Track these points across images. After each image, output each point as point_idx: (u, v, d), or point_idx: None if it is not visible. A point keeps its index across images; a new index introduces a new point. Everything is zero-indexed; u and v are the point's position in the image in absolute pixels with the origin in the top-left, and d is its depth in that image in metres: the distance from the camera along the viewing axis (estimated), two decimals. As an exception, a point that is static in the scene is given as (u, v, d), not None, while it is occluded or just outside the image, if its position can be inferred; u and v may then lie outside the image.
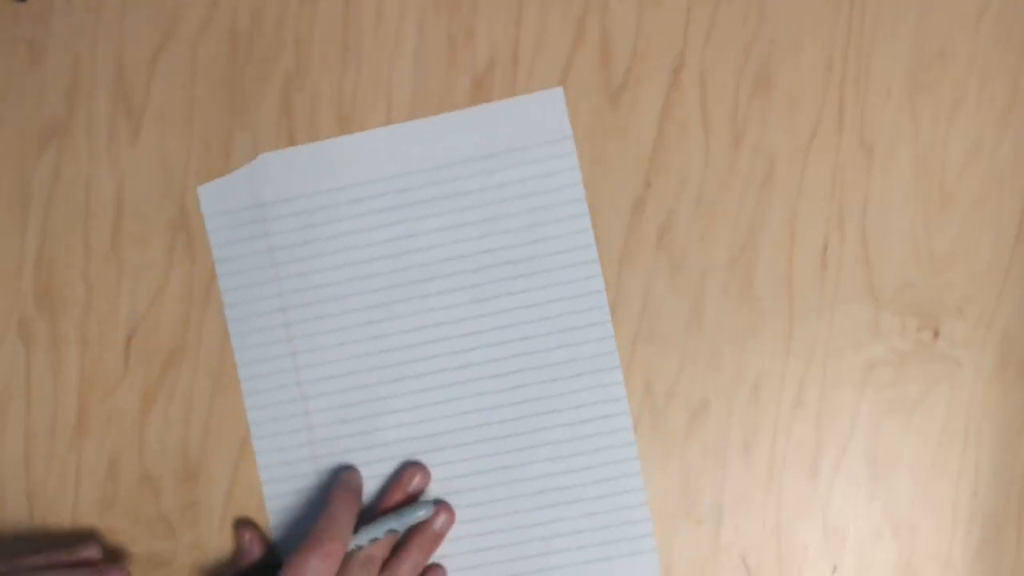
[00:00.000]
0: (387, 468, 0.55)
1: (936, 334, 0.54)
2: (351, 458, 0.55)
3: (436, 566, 0.54)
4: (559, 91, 0.54)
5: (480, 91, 0.55)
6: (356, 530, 0.52)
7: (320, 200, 0.55)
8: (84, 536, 0.56)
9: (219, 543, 0.56)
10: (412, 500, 0.54)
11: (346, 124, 0.55)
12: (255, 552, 0.55)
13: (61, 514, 0.56)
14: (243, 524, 0.55)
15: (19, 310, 0.56)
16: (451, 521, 0.54)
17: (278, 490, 0.55)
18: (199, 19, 0.55)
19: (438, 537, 0.54)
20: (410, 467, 0.54)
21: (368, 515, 0.54)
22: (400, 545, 0.54)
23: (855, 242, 0.54)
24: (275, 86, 0.55)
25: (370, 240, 0.55)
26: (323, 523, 0.51)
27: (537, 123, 0.54)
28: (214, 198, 0.55)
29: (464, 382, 0.55)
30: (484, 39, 0.55)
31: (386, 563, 0.53)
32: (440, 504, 0.54)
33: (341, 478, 0.54)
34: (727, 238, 0.55)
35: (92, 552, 0.54)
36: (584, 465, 0.54)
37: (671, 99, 0.55)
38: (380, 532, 0.52)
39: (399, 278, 0.55)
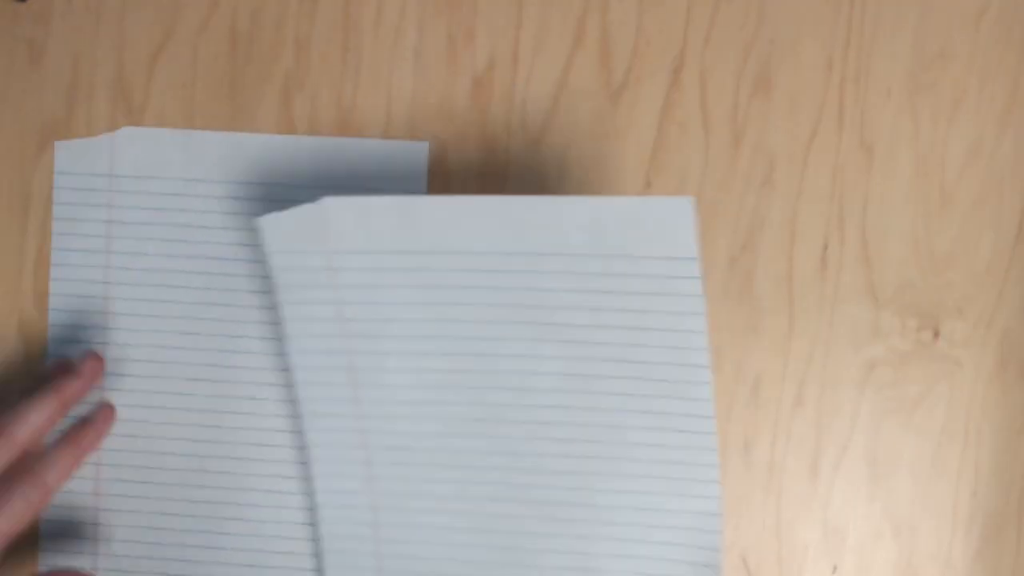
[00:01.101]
0: (170, 463, 0.54)
1: (936, 334, 0.54)
2: (133, 451, 0.54)
3: None
4: (423, 145, 0.54)
5: (480, 90, 0.55)
6: None
7: (174, 187, 0.54)
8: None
9: (219, 543, 0.56)
10: None
11: (346, 124, 0.55)
12: None
13: (61, 514, 0.56)
14: None
15: (19, 310, 0.56)
16: None
17: None
18: (199, 19, 0.55)
19: None
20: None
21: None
22: None
23: (855, 242, 0.54)
24: (275, 86, 0.55)
25: (211, 239, 0.54)
26: None
27: (396, 170, 0.54)
28: (69, 157, 0.55)
29: (261, 399, 0.54)
30: (484, 39, 0.55)
31: None
32: None
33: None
34: (727, 238, 0.55)
35: (64, 364, 0.52)
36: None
37: (671, 99, 0.55)
38: None
39: (226, 283, 0.54)
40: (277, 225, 0.49)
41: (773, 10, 0.54)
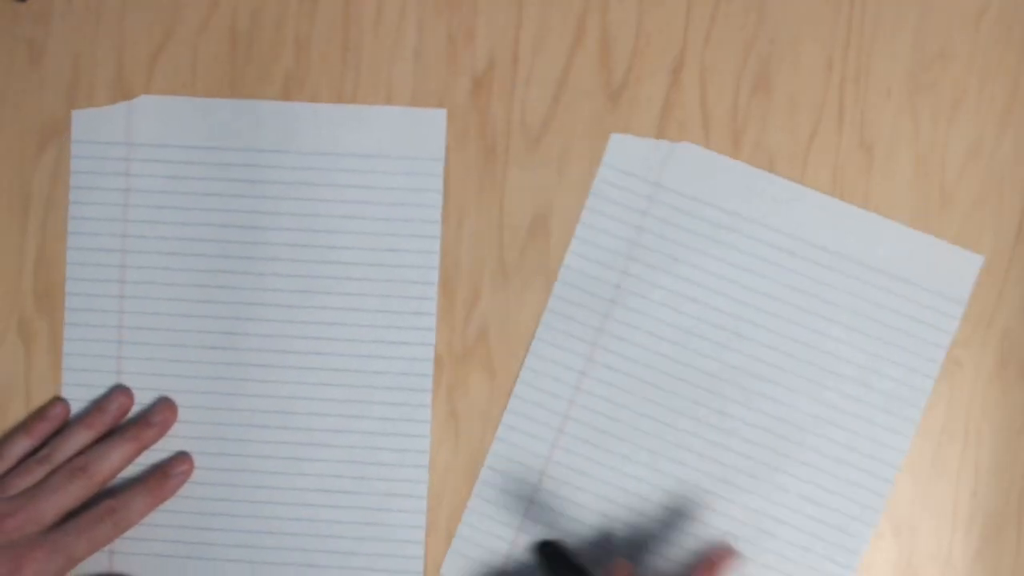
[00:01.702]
0: (190, 431, 0.55)
1: (936, 334, 0.54)
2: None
3: None
4: (441, 113, 0.54)
5: (480, 90, 0.55)
6: None
7: (191, 155, 0.55)
8: (113, 390, 0.55)
9: (219, 543, 0.56)
10: None
11: (346, 124, 0.55)
12: None
13: (61, 514, 0.56)
14: None
15: (19, 310, 0.56)
16: None
17: None
18: (199, 19, 0.55)
19: None
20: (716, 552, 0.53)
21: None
22: None
23: (855, 242, 0.54)
24: (275, 86, 0.55)
25: (227, 206, 0.55)
26: None
27: (414, 138, 0.54)
28: (86, 125, 0.55)
29: (279, 367, 0.55)
30: (484, 39, 0.55)
31: None
32: None
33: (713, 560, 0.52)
34: (727, 238, 0.54)
35: (123, 400, 0.54)
36: (373, 475, 0.54)
37: (671, 99, 0.55)
38: None
39: (242, 251, 0.55)
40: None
41: (773, 10, 0.54)
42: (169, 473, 0.54)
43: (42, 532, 0.51)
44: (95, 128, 0.55)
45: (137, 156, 0.55)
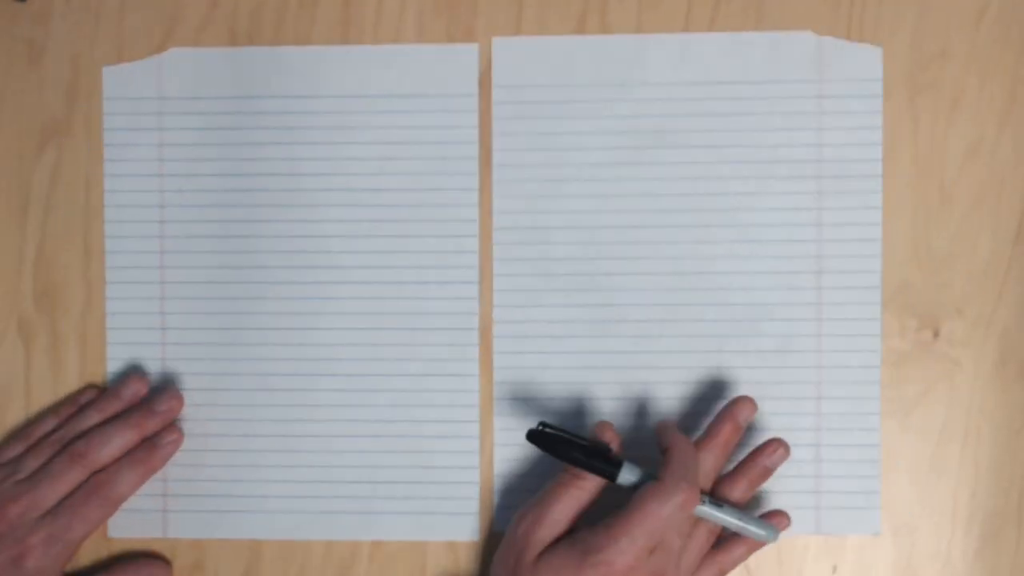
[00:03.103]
0: (238, 383, 0.55)
1: (935, 334, 0.54)
2: (200, 368, 0.55)
3: None
4: (473, 47, 0.54)
5: (482, 91, 0.55)
6: None
7: (223, 105, 0.55)
8: (128, 374, 0.55)
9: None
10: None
11: (345, 124, 0.55)
12: None
13: (60, 514, 0.56)
14: None
15: (19, 310, 0.56)
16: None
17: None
18: (199, 19, 0.55)
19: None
20: (772, 442, 0.52)
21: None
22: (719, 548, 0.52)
23: (854, 242, 0.54)
24: (275, 86, 0.55)
25: (263, 155, 0.55)
26: (686, 465, 0.49)
27: (446, 75, 0.54)
28: (117, 82, 0.55)
29: (324, 313, 0.55)
30: (484, 39, 0.55)
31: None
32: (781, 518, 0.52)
33: (732, 409, 0.52)
34: (726, 238, 0.54)
35: (138, 387, 0.55)
36: (424, 418, 0.54)
37: (670, 99, 0.55)
38: (712, 516, 0.50)
39: (281, 198, 0.55)
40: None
41: (772, 9, 0.54)
42: (157, 444, 0.54)
43: (40, 517, 0.51)
44: (126, 84, 0.55)
45: (169, 109, 0.55)
